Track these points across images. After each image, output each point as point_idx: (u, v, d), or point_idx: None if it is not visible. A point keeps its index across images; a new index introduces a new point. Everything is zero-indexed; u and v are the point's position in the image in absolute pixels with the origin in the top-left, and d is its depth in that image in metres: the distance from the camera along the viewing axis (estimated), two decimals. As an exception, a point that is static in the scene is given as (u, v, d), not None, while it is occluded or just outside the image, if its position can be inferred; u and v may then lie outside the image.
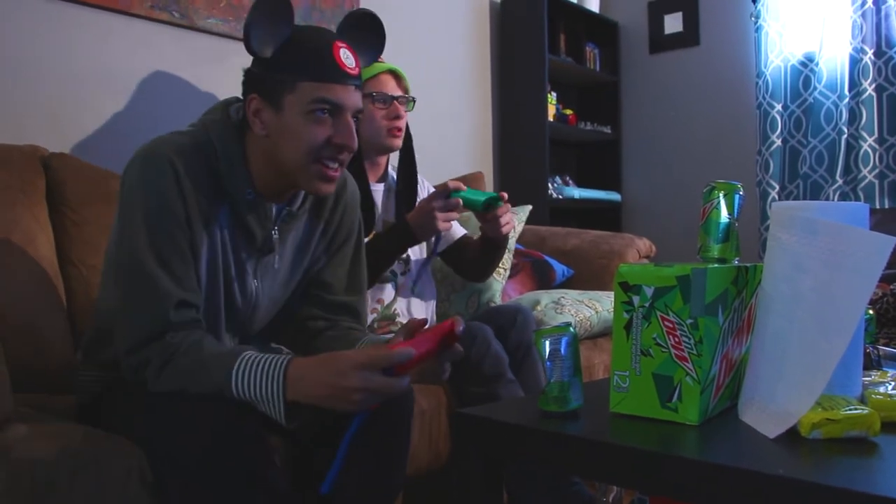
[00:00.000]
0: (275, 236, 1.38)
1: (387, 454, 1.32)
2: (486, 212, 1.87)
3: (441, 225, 1.83)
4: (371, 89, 1.97)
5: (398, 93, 2.01)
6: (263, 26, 1.26)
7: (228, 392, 1.18)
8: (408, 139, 2.06)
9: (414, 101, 2.05)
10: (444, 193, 1.83)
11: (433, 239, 2.17)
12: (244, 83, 1.33)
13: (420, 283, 2.08)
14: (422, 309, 2.07)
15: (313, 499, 1.27)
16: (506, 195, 1.89)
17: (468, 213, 2.05)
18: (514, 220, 2.09)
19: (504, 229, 1.91)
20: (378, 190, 2.06)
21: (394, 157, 2.13)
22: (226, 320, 1.37)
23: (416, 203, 2.05)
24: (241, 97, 1.35)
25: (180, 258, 1.25)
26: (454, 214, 1.85)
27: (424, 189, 2.17)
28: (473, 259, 2.09)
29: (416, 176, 2.10)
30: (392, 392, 1.14)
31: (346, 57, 1.29)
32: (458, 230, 2.16)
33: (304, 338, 1.48)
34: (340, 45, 1.30)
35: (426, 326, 1.25)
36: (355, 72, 1.31)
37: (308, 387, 1.15)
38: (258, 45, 1.27)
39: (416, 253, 2.09)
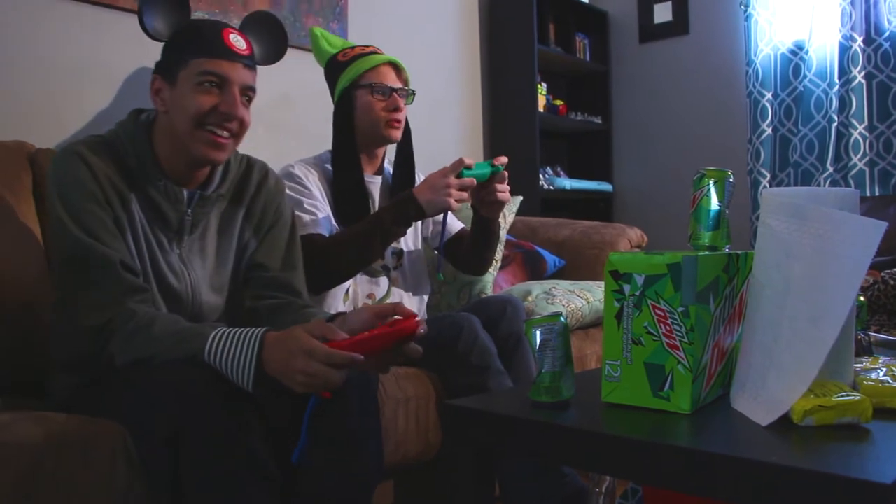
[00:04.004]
0: (188, 219, 1.46)
1: (353, 437, 1.33)
2: (491, 181, 1.84)
3: (454, 203, 1.77)
4: (370, 80, 1.95)
5: (398, 84, 1.98)
6: (153, 9, 1.46)
7: (200, 356, 1.22)
8: (406, 133, 2.03)
9: (414, 94, 2.02)
10: (455, 170, 1.77)
11: (428, 231, 2.15)
12: (153, 72, 1.48)
13: (413, 278, 2.07)
14: (414, 303, 2.06)
15: (293, 482, 1.29)
16: (504, 159, 1.84)
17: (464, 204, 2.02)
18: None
19: (501, 196, 1.86)
20: (374, 182, 2.03)
21: (390, 152, 2.10)
22: (167, 303, 1.43)
23: None
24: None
25: (107, 231, 1.34)
26: (465, 194, 1.80)
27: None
28: (470, 251, 2.06)
29: (414, 171, 2.08)
30: (329, 381, 1.19)
31: (236, 40, 1.44)
32: (455, 224, 2.14)
33: (260, 320, 1.51)
34: (231, 30, 1.45)
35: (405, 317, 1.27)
36: (245, 52, 1.45)
37: (270, 359, 1.22)
38: (151, 27, 1.46)
39: (410, 246, 2.07)
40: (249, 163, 1.60)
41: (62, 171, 1.36)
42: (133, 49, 2.18)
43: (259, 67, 1.53)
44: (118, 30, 2.16)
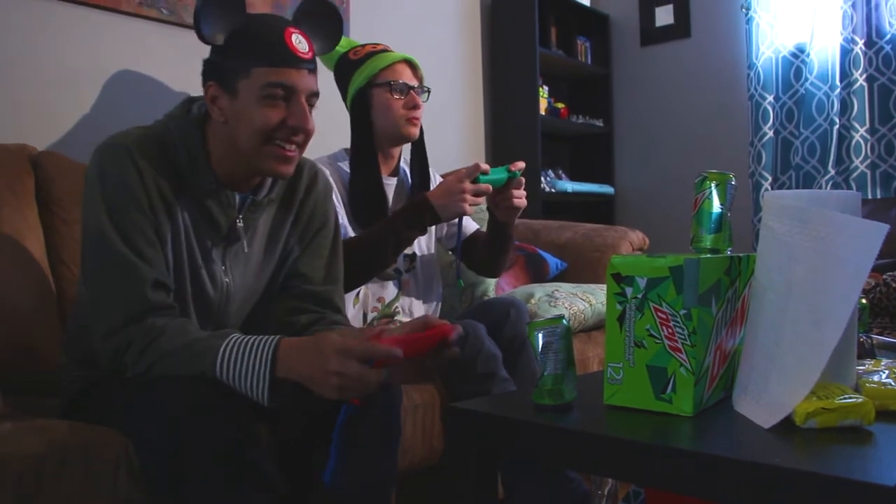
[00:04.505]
0: (239, 225, 1.39)
1: (374, 446, 1.32)
2: (507, 187, 1.83)
3: (469, 208, 1.76)
4: (387, 78, 1.93)
5: (415, 82, 1.98)
6: (212, 14, 1.30)
7: (211, 372, 1.19)
8: (420, 133, 2.02)
9: (429, 91, 2.02)
10: (472, 175, 1.76)
11: (442, 233, 2.14)
12: (203, 72, 1.36)
13: (425, 282, 2.05)
14: (423, 310, 2.04)
15: (308, 492, 1.27)
16: (522, 164, 1.83)
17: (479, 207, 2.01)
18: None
19: (517, 203, 1.85)
20: (390, 184, 2.01)
21: (405, 153, 2.09)
22: (197, 310, 1.38)
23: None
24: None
25: (147, 242, 1.27)
26: (481, 200, 1.79)
27: (436, 183, 2.13)
28: (485, 253, 2.05)
29: (429, 171, 2.07)
30: (367, 383, 1.15)
31: (299, 42, 1.33)
32: (471, 225, 2.13)
33: (290, 335, 1.48)
34: (293, 30, 1.33)
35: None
36: (308, 56, 1.34)
37: (295, 364, 1.18)
38: (208, 33, 1.31)
39: (423, 250, 2.06)
40: (299, 163, 1.50)
41: (109, 171, 1.27)
42: (133, 51, 2.19)
43: None
44: (119, 32, 2.16)
